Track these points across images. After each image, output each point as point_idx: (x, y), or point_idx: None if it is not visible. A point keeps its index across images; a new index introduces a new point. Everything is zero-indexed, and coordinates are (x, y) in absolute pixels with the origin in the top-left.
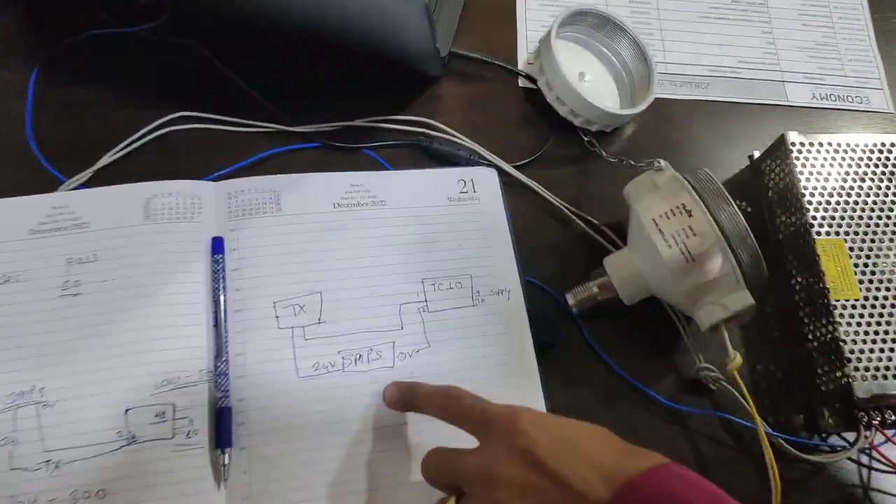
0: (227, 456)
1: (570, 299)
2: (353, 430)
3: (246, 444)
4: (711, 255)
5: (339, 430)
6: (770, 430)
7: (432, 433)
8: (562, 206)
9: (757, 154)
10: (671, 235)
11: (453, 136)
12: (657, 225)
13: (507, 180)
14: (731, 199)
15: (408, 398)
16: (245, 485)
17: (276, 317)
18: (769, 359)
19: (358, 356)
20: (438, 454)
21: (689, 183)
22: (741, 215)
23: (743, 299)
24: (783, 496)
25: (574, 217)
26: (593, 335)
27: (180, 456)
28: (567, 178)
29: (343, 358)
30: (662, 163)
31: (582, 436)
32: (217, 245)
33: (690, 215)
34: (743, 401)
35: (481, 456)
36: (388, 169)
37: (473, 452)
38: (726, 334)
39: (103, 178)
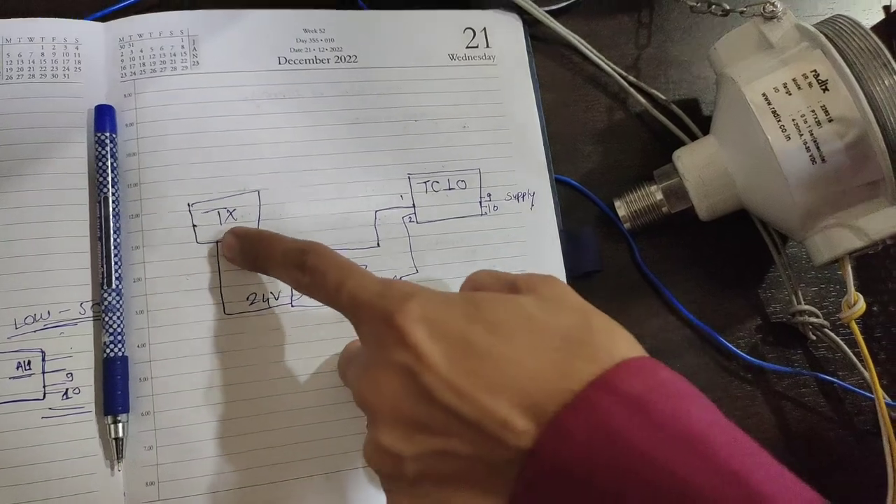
0: (121, 426)
1: (621, 209)
2: (303, 389)
3: (150, 407)
4: (855, 154)
5: (284, 389)
6: (890, 401)
7: None
8: (614, 74)
9: None
10: (792, 120)
11: None
12: (769, 103)
13: (536, 32)
14: (893, 64)
15: (252, 252)
16: (150, 465)
17: (194, 226)
18: (889, 299)
19: None
20: (343, 353)
21: (826, 37)
22: None
23: (891, 222)
24: None
25: (631, 89)
26: (649, 261)
27: (55, 424)
28: (623, 32)
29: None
30: (779, 5)
31: (500, 336)
32: (104, 118)
33: (826, 89)
34: (856, 360)
35: (357, 369)
36: (362, 8)
37: (357, 360)
38: (850, 270)
39: None
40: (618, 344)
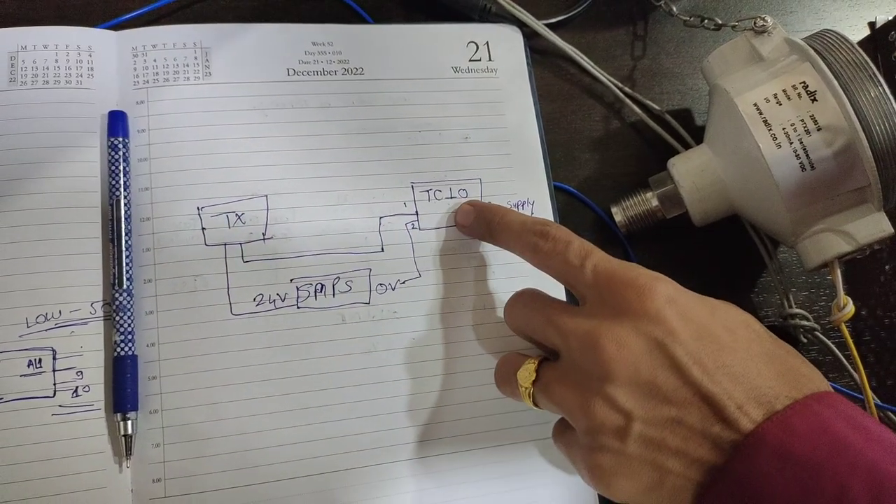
0: (130, 423)
1: (618, 215)
2: (310, 389)
3: (159, 406)
4: (842, 161)
5: (289, 388)
6: (880, 402)
7: (424, 405)
8: (610, 85)
9: (882, 20)
10: (782, 129)
11: None
12: (761, 113)
13: (535, 45)
14: (878, 76)
15: (488, 223)
16: (158, 463)
17: (203, 229)
18: (877, 304)
19: (319, 287)
20: (535, 295)
21: (815, 50)
22: (893, 101)
23: (877, 227)
24: None
25: (627, 100)
26: (645, 265)
27: (65, 421)
28: (619, 44)
29: (298, 289)
30: (769, 20)
31: (734, 336)
32: (116, 123)
33: (815, 100)
34: (846, 362)
35: (592, 323)
36: (368, 23)
37: (582, 313)
38: (839, 273)
39: None
40: (821, 377)
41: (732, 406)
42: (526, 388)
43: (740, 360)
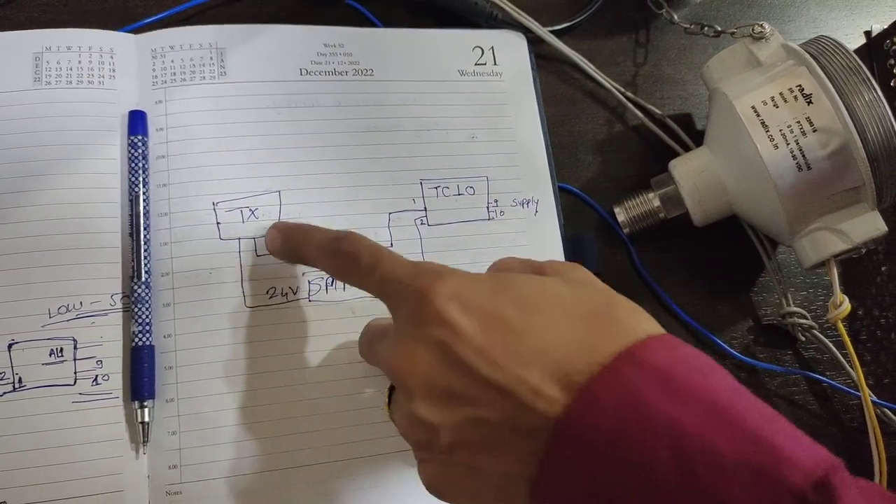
0: (147, 411)
1: (621, 215)
2: (320, 379)
3: (174, 394)
4: (837, 162)
5: (302, 378)
6: (876, 398)
7: None
8: (613, 89)
9: (877, 29)
10: (779, 131)
11: None
12: (758, 115)
13: (539, 50)
14: (871, 80)
15: (292, 244)
16: (174, 449)
17: (218, 224)
18: (873, 304)
19: (330, 281)
20: (365, 331)
21: (810, 55)
22: (886, 104)
23: (872, 226)
24: (889, 479)
25: (629, 104)
26: (647, 265)
27: (85, 409)
28: (622, 50)
29: (309, 282)
30: (766, 27)
31: (528, 311)
32: (136, 122)
33: (810, 102)
34: (843, 359)
35: (389, 344)
36: (378, 27)
37: (388, 332)
38: (836, 272)
39: None
40: (641, 322)
41: (527, 391)
42: (387, 414)
43: (533, 338)
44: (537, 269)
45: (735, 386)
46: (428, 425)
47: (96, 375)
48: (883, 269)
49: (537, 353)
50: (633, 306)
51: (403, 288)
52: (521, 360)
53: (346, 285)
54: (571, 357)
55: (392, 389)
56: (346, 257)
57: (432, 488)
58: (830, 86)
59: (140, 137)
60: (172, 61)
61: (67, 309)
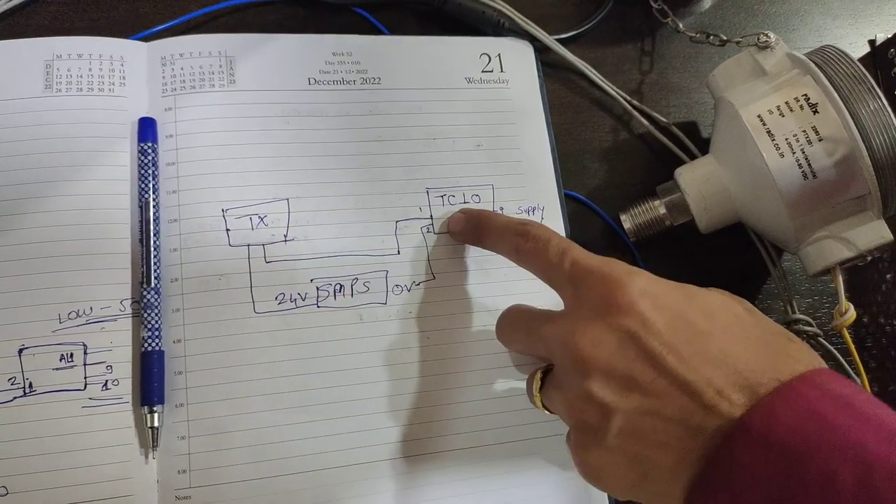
0: (156, 416)
1: (627, 222)
2: (328, 386)
3: (184, 399)
4: (843, 170)
5: (310, 384)
6: None
7: (443, 399)
8: (619, 98)
9: (881, 38)
10: (785, 140)
11: None
12: (764, 124)
13: (546, 58)
14: (877, 89)
15: (475, 227)
16: (183, 454)
17: (227, 230)
18: (879, 311)
19: (338, 287)
20: (517, 313)
21: (816, 65)
22: (891, 113)
23: (877, 234)
24: None
25: (635, 112)
26: (653, 271)
27: (94, 413)
28: (628, 59)
29: (318, 289)
30: (772, 36)
31: (713, 320)
32: (146, 129)
33: (816, 111)
34: (848, 366)
35: (568, 325)
36: (386, 35)
37: (560, 317)
38: (841, 280)
39: None
40: (813, 355)
41: (711, 392)
42: (536, 397)
43: (719, 345)
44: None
45: None
46: (602, 406)
47: (106, 380)
48: (888, 276)
49: (723, 359)
50: (804, 342)
51: (596, 275)
52: (708, 361)
53: (355, 293)
54: (754, 370)
55: (546, 373)
56: (536, 240)
57: (590, 473)
58: (836, 95)
59: (150, 144)
60: (182, 69)
61: (78, 314)
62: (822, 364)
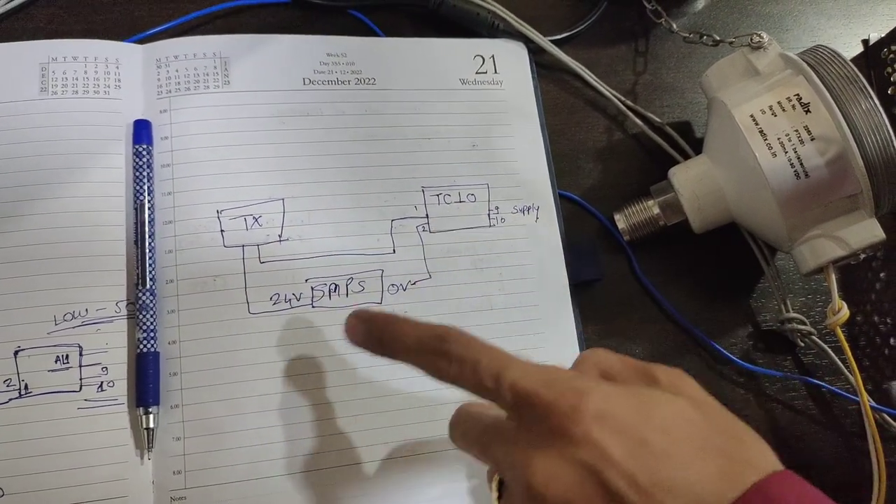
0: (152, 417)
1: (621, 222)
2: (325, 385)
3: (179, 401)
4: (835, 169)
5: (307, 385)
6: (875, 404)
7: (433, 402)
8: (613, 98)
9: (875, 38)
10: (777, 139)
11: None
12: (757, 124)
13: (540, 59)
14: (869, 89)
15: (378, 337)
16: (178, 455)
17: (222, 231)
18: (872, 310)
19: (333, 287)
20: (467, 422)
21: (808, 65)
22: (882, 113)
23: (869, 233)
24: (888, 483)
25: (629, 112)
26: (647, 271)
27: (90, 415)
28: (621, 59)
29: (313, 289)
30: (765, 36)
31: (671, 438)
32: (141, 131)
33: (808, 111)
34: (842, 365)
35: (519, 453)
36: (380, 36)
37: (510, 441)
38: (834, 278)
39: None
40: (766, 454)
41: None
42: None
43: (679, 468)
44: (648, 375)
45: None
46: None
47: (101, 382)
48: (881, 275)
49: (683, 485)
50: (755, 436)
51: (538, 398)
52: (670, 490)
53: (350, 292)
54: (711, 490)
55: (502, 484)
56: (462, 362)
57: None
58: (828, 95)
59: (145, 146)
60: (177, 71)
61: (73, 316)
62: (775, 463)
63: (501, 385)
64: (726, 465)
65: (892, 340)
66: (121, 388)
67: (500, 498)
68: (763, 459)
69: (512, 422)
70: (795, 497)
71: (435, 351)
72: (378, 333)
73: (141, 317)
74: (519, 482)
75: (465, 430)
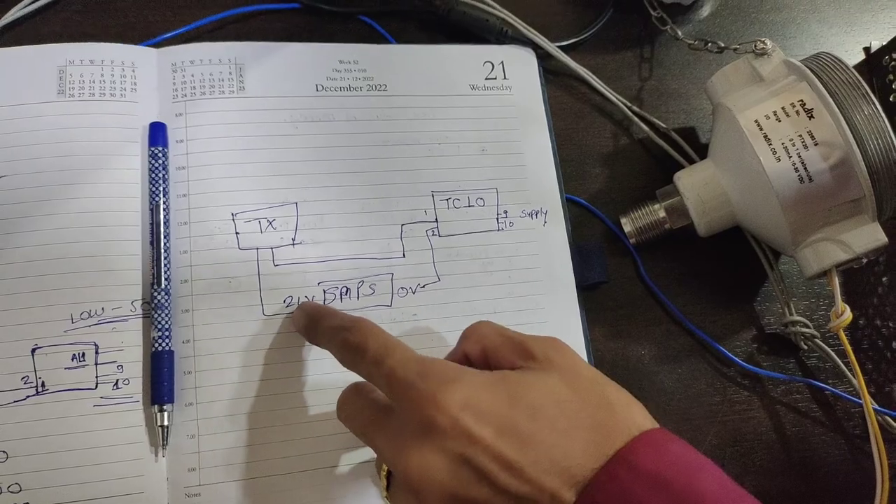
0: (166, 414)
1: (627, 226)
2: (335, 385)
3: (193, 399)
4: (839, 174)
5: (318, 385)
6: (877, 406)
7: None
8: (619, 103)
9: (876, 45)
10: (781, 144)
11: (481, 0)
12: (761, 129)
13: (548, 65)
14: (871, 95)
15: (308, 327)
16: (192, 453)
17: (236, 234)
18: (875, 313)
19: (345, 290)
20: (353, 404)
21: (812, 71)
22: (885, 119)
23: (872, 237)
24: (891, 485)
25: (635, 118)
26: (652, 274)
27: (105, 412)
28: (627, 65)
29: (325, 291)
30: (769, 43)
31: (538, 418)
32: (157, 134)
33: (812, 116)
34: (845, 367)
35: (396, 445)
36: (391, 43)
37: (389, 430)
38: (837, 282)
39: (11, 38)
40: (634, 416)
41: (547, 498)
42: (383, 497)
43: (547, 446)
44: (522, 349)
45: (722, 481)
46: None
47: (117, 380)
48: (884, 279)
49: (552, 462)
50: (626, 399)
51: (412, 390)
52: (541, 469)
53: (361, 295)
54: (581, 463)
55: (390, 475)
56: (354, 350)
57: None
58: (831, 100)
59: (160, 149)
60: (192, 76)
61: (89, 315)
62: (644, 421)
63: (381, 370)
64: (593, 436)
65: (894, 344)
66: (136, 386)
67: (388, 488)
68: (630, 424)
69: (391, 410)
70: (660, 461)
71: (339, 338)
72: (307, 321)
73: (156, 316)
74: (399, 474)
75: (351, 413)
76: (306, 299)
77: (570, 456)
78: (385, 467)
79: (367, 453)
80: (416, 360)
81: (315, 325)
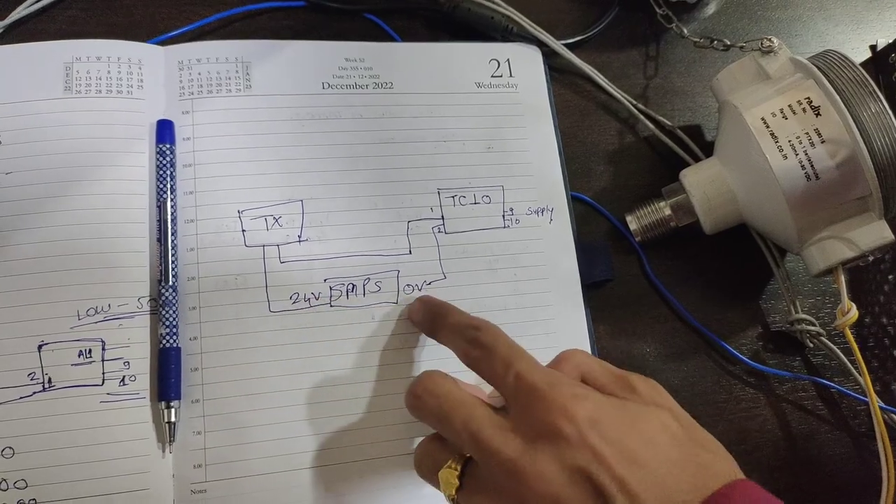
0: (173, 411)
1: (633, 223)
2: (341, 383)
3: (200, 395)
4: (845, 172)
5: (323, 381)
6: (883, 404)
7: None
8: (624, 101)
9: (882, 43)
10: (788, 142)
11: None
12: (768, 127)
13: (554, 63)
14: (878, 92)
15: (432, 322)
16: (199, 449)
17: (243, 231)
18: (881, 311)
19: (351, 287)
20: (450, 393)
21: (818, 69)
22: (891, 116)
23: (879, 235)
24: None
25: (640, 115)
26: (658, 272)
27: (112, 408)
28: (633, 63)
29: (331, 288)
30: (775, 41)
31: (654, 449)
32: (164, 131)
33: (818, 114)
34: (850, 365)
35: (515, 447)
36: (397, 41)
37: (506, 427)
38: (843, 280)
39: (17, 36)
40: (730, 463)
41: None
42: (450, 496)
43: (661, 476)
44: (627, 385)
45: None
46: None
47: (123, 376)
48: (890, 277)
49: (662, 490)
50: (722, 449)
51: (541, 396)
52: (650, 494)
53: (367, 292)
54: (685, 497)
55: (467, 463)
56: (483, 348)
57: None
58: (838, 98)
59: (167, 146)
60: (199, 74)
61: (96, 311)
62: (738, 473)
63: (509, 372)
64: (698, 473)
65: None
66: (143, 383)
67: (460, 489)
68: (728, 469)
69: (505, 412)
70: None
71: (466, 336)
72: (430, 316)
73: (163, 312)
74: (512, 480)
75: (446, 396)
76: (312, 296)
77: (679, 489)
78: (455, 466)
79: (376, 451)
80: (544, 369)
81: (441, 320)
